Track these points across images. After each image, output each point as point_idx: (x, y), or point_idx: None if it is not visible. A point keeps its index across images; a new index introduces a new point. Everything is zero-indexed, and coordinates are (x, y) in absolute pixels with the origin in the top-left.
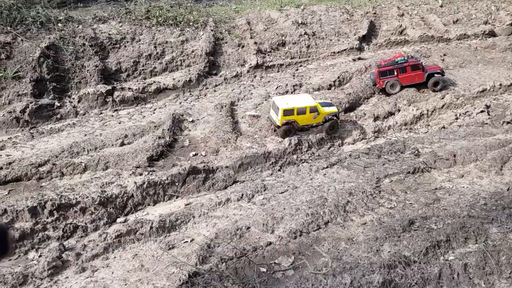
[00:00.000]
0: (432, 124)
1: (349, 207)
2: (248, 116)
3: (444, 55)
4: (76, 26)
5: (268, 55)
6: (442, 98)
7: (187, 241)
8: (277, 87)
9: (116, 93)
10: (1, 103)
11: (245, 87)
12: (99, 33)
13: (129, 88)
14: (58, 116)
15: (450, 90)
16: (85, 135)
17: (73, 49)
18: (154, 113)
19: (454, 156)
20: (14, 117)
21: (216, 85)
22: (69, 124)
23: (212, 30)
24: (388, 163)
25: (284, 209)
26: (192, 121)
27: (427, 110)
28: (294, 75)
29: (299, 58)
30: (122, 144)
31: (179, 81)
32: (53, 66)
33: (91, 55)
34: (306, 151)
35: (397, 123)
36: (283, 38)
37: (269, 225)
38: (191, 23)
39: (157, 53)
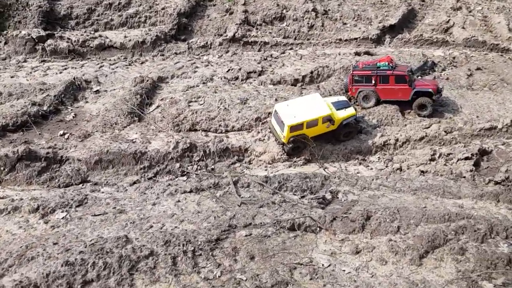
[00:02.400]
0: (396, 160)
1: (144, 265)
2: (168, 100)
3: (478, 69)
4: None
5: (257, 28)
6: (427, 128)
7: None
8: (228, 70)
9: (48, 42)
10: None
11: (193, 63)
12: None
13: (68, 39)
14: None
15: (446, 118)
16: None
17: None
18: (61, 72)
19: (367, 218)
20: None
21: (175, 53)
22: None
23: None
24: (272, 206)
25: (55, 243)
26: (97, 92)
27: (396, 140)
28: (263, 59)
29: (294, 39)
30: None
31: (130, 40)
32: None
33: None
34: (198, 161)
35: (346, 149)
36: (284, 11)
37: None
38: None
39: (119, 3)
